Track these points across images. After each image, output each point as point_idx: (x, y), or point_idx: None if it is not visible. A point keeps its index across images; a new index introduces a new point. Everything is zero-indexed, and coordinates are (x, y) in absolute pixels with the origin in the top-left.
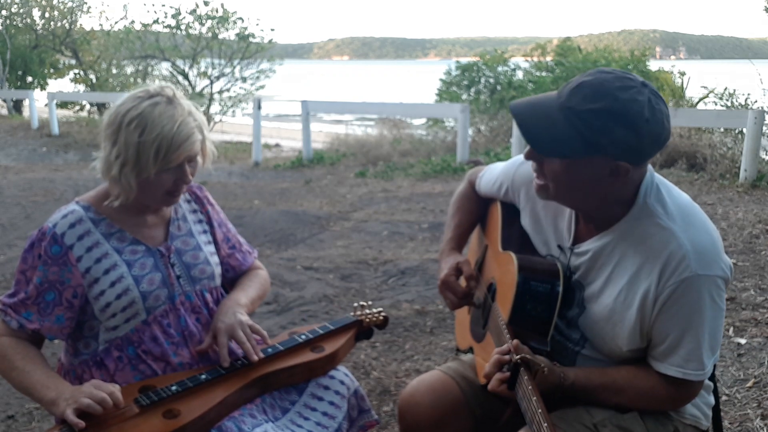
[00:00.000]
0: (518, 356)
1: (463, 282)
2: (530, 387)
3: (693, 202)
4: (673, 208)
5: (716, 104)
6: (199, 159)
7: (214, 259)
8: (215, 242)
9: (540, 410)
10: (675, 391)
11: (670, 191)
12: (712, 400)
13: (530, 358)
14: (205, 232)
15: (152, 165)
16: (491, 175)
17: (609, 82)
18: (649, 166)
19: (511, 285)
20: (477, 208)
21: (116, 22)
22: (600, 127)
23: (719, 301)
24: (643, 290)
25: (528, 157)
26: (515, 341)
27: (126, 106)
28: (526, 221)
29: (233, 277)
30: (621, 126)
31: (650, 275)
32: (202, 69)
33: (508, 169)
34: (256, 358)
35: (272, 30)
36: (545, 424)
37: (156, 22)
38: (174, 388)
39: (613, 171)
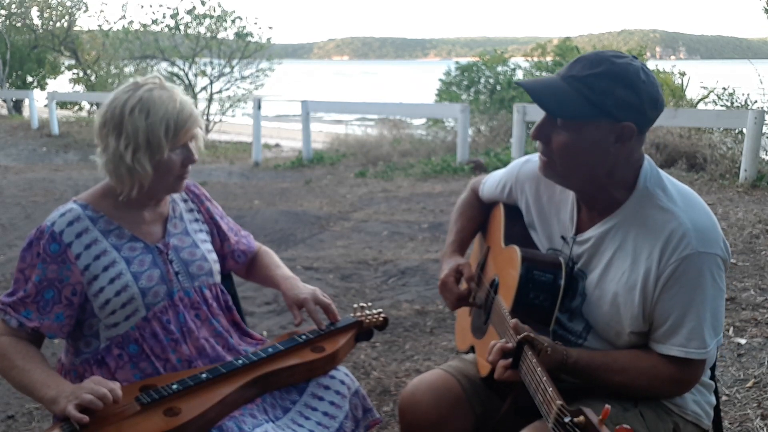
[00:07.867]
0: (522, 335)
1: (463, 284)
2: (534, 360)
3: (692, 190)
4: (674, 191)
5: (716, 104)
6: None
7: (212, 257)
8: (222, 233)
9: (545, 377)
10: (677, 371)
11: (669, 178)
12: (713, 399)
13: (534, 336)
14: (201, 230)
15: (165, 144)
16: (494, 180)
17: (603, 53)
18: (647, 156)
19: (515, 275)
20: (479, 214)
21: (115, 22)
22: (603, 89)
23: (719, 281)
24: (644, 270)
25: (535, 135)
26: (514, 321)
27: (120, 99)
28: (530, 217)
29: (245, 261)
30: (621, 86)
31: (651, 255)
32: (202, 69)
33: (511, 170)
34: (339, 318)
35: (270, 28)
36: (550, 389)
37: (155, 22)
38: (175, 386)
39: (618, 136)
